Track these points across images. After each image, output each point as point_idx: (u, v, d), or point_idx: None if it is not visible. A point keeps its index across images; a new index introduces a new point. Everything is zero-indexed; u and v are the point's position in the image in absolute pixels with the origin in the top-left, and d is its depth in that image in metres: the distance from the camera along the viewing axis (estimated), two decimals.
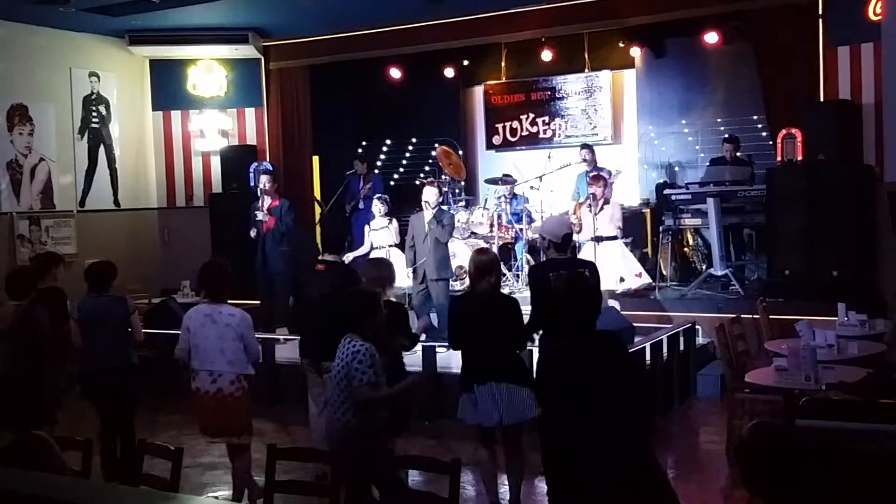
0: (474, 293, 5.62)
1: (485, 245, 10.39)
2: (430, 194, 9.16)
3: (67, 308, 6.99)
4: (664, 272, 10.43)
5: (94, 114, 12.34)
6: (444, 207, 10.52)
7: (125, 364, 6.35)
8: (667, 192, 10.61)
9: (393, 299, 6.19)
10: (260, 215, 10.01)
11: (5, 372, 6.35)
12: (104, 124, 12.46)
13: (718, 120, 11.65)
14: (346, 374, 4.71)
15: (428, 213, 9.11)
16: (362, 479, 4.68)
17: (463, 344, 5.58)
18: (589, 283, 4.63)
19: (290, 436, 7.68)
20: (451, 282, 9.47)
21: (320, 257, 6.71)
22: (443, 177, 11.75)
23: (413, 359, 6.69)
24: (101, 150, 12.42)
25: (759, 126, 11.09)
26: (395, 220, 10.57)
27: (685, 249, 10.99)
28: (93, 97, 12.31)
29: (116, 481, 5.91)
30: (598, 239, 9.61)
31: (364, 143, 13.41)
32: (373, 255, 10.35)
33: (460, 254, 10.26)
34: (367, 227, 10.70)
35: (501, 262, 10.74)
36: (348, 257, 9.52)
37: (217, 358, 5.64)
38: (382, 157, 13.76)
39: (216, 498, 5.96)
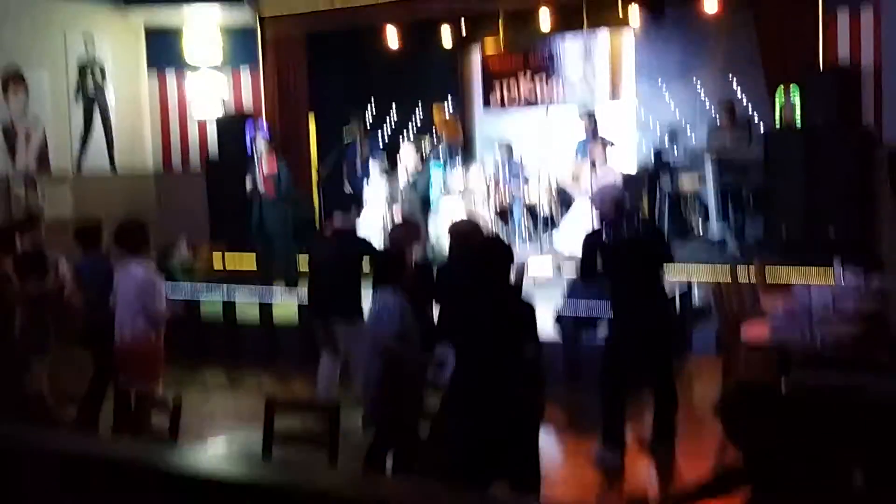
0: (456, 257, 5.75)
1: (482, 207, 10.38)
2: (406, 153, 9.18)
3: (48, 268, 7.08)
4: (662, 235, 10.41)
5: (90, 78, 12.26)
6: (435, 169, 10.52)
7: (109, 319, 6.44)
8: (664, 154, 10.59)
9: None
10: (258, 185, 9.97)
11: None
12: (99, 89, 12.39)
13: (717, 80, 11.59)
14: (377, 328, 4.78)
15: (405, 172, 9.14)
16: (385, 427, 4.74)
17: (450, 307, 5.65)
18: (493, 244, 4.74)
19: (288, 391, 7.76)
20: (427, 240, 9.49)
21: (331, 220, 6.86)
22: (439, 138, 11.73)
23: None
24: (97, 114, 12.35)
25: (758, 87, 11.03)
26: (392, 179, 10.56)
27: (682, 211, 10.99)
28: (88, 62, 12.23)
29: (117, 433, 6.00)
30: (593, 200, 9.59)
31: (360, 105, 13.33)
32: (369, 216, 10.37)
33: (458, 215, 10.26)
34: (364, 188, 10.71)
35: (501, 222, 10.80)
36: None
37: (123, 312, 5.97)
38: (379, 119, 13.68)
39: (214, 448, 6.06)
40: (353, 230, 6.91)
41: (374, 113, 13.56)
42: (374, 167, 10.53)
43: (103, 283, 6.41)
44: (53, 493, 2.23)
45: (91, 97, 12.28)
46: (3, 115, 11.19)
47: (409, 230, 6.29)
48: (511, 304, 4.42)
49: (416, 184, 9.08)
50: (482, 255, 4.51)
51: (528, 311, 4.40)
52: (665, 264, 6.12)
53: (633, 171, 11.32)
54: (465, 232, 5.76)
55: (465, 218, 8.06)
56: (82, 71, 12.18)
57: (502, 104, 13.12)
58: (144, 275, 5.97)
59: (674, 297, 8.27)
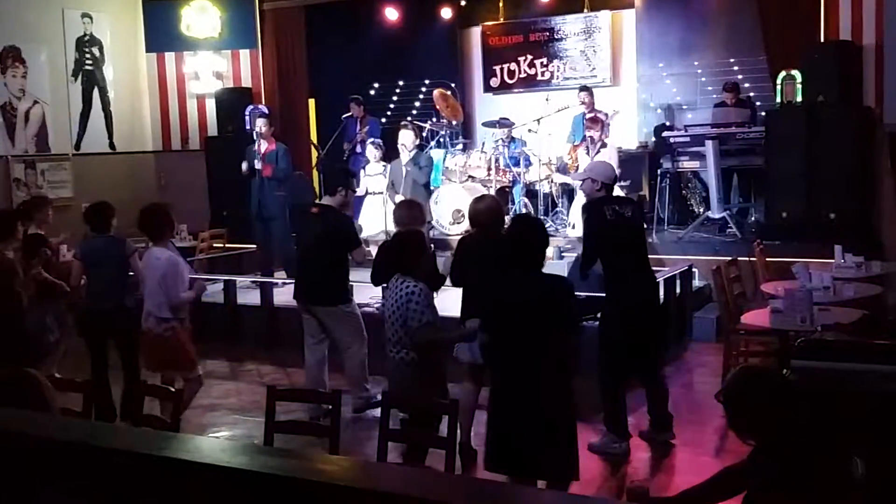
0: (474, 235, 5.68)
1: (483, 190, 10.34)
2: (406, 137, 9.10)
3: (48, 251, 7.07)
4: (661, 215, 10.42)
5: (88, 56, 12.20)
6: (433, 152, 10.46)
7: (121, 305, 6.38)
8: (665, 134, 10.56)
9: None
10: (256, 164, 9.91)
11: None
12: (98, 66, 12.33)
13: (718, 61, 11.53)
14: (402, 315, 4.75)
15: (405, 156, 9.06)
16: (422, 415, 4.73)
17: (463, 282, 5.61)
18: (531, 226, 4.71)
19: (289, 377, 7.75)
20: (430, 225, 9.42)
21: (320, 201, 6.72)
22: (441, 119, 11.67)
23: None
24: (96, 92, 12.30)
25: (760, 67, 10.98)
26: (389, 166, 10.50)
27: (683, 192, 10.97)
28: (86, 39, 12.16)
29: (115, 421, 6.00)
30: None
31: (360, 85, 13.26)
32: (368, 200, 10.33)
33: (459, 198, 10.24)
34: (361, 172, 10.63)
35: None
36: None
37: (147, 299, 5.94)
38: (379, 99, 13.62)
39: (217, 438, 6.03)
40: (337, 209, 6.70)
41: (374, 94, 13.50)
42: (373, 150, 10.47)
43: (114, 266, 6.36)
44: (52, 482, 2.22)
45: (90, 75, 12.22)
46: (2, 95, 11.13)
47: (412, 211, 6.21)
48: (550, 283, 4.40)
49: (417, 166, 9.02)
50: (527, 233, 4.47)
51: (568, 291, 4.39)
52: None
53: (633, 151, 11.29)
54: (489, 208, 5.72)
55: (486, 194, 7.95)
56: (81, 49, 12.11)
57: (503, 85, 13.07)
58: (167, 261, 5.89)
59: (673, 280, 8.26)
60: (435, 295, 5.12)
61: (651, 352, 5.93)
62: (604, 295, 5.91)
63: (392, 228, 9.30)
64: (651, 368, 5.94)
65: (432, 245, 6.84)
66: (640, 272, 5.83)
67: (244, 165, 9.97)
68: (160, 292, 5.83)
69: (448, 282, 5.79)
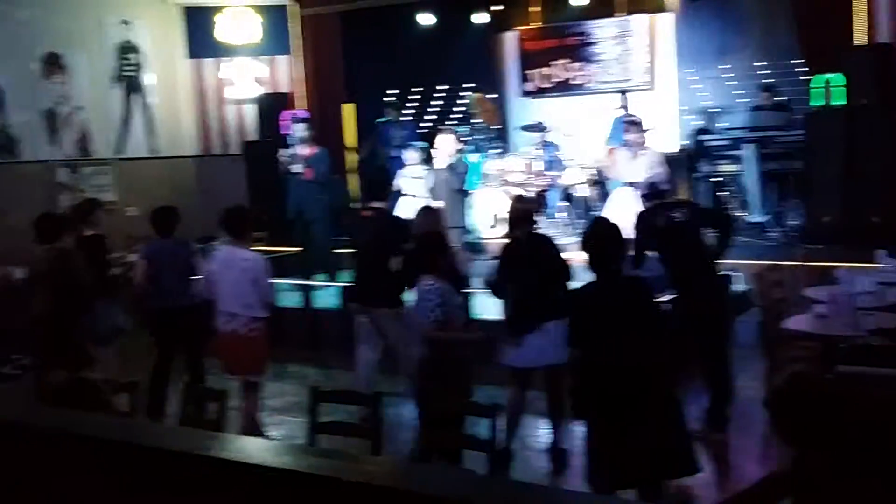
0: (516, 240, 5.68)
1: (522, 193, 10.32)
2: (444, 142, 9.12)
3: (108, 253, 7.20)
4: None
5: (128, 62, 12.37)
6: (469, 156, 10.46)
7: (190, 304, 6.50)
8: (703, 138, 10.50)
9: None
10: (298, 167, 9.98)
11: (42, 314, 6.54)
12: (138, 73, 12.49)
13: (756, 64, 11.43)
14: (419, 313, 4.79)
15: (443, 161, 9.08)
16: (433, 414, 4.74)
17: (510, 290, 5.61)
18: (613, 228, 4.67)
19: (331, 379, 7.79)
20: (465, 230, 9.42)
21: (370, 204, 6.79)
22: (477, 124, 11.69)
23: None
24: (136, 98, 12.47)
25: (798, 70, 10.88)
26: (426, 171, 10.49)
27: (722, 196, 10.87)
28: (126, 45, 12.33)
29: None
30: (633, 185, 9.51)
31: (396, 89, 13.32)
32: (403, 202, 10.35)
33: (496, 202, 10.23)
34: (399, 174, 10.66)
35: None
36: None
37: (232, 300, 5.85)
38: (415, 103, 13.67)
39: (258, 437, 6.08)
40: (392, 211, 6.80)
41: (410, 98, 13.54)
42: (412, 153, 10.48)
43: (180, 267, 6.49)
44: (105, 480, 2.26)
45: (130, 81, 12.39)
46: (45, 101, 11.33)
47: (431, 217, 6.22)
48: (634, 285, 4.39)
49: (456, 172, 9.02)
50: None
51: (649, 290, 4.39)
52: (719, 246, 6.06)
53: (671, 155, 11.20)
54: (531, 208, 5.75)
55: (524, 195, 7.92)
56: (121, 55, 12.28)
57: (538, 90, 13.05)
58: (256, 261, 5.92)
59: (728, 281, 8.18)
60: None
61: (717, 351, 5.90)
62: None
63: None
64: (717, 367, 5.89)
65: (463, 248, 6.84)
66: (702, 274, 5.81)
67: (285, 168, 10.03)
68: (251, 293, 5.81)
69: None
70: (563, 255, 5.61)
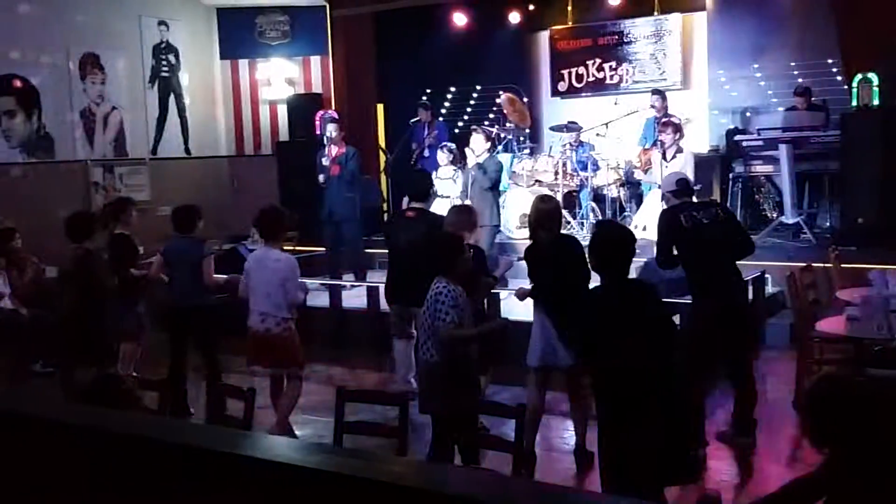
0: (539, 241, 5.66)
1: (548, 193, 10.29)
2: (476, 142, 9.14)
3: (136, 254, 7.30)
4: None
5: (164, 63, 12.51)
6: (500, 156, 10.45)
7: (197, 304, 6.58)
8: (737, 138, 10.41)
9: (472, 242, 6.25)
10: (324, 161, 10.05)
11: (69, 312, 6.66)
12: (174, 73, 12.63)
13: (792, 64, 11.31)
14: (431, 315, 4.79)
15: (472, 160, 9.10)
16: (442, 416, 4.76)
17: (537, 289, 5.61)
18: (620, 231, 4.65)
19: (358, 379, 7.82)
20: (497, 229, 9.41)
21: (412, 205, 6.82)
22: (507, 124, 11.67)
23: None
24: (172, 98, 12.61)
25: (834, 70, 10.75)
26: (459, 170, 10.50)
27: (756, 197, 10.78)
28: (162, 46, 12.47)
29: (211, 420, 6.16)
30: None
31: (428, 90, 13.35)
32: (436, 203, 10.36)
33: (526, 202, 10.21)
34: (433, 175, 10.69)
35: (566, 210, 10.72)
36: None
37: (265, 300, 5.92)
38: (447, 104, 13.69)
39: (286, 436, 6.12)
40: (430, 210, 6.81)
41: (441, 98, 13.56)
42: (443, 154, 10.51)
43: (191, 266, 6.56)
44: (129, 477, 2.29)
45: (166, 82, 12.53)
46: (82, 101, 11.49)
47: (462, 216, 6.21)
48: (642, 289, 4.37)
49: (482, 171, 9.03)
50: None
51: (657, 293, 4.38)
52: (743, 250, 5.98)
53: (705, 155, 11.13)
54: (557, 209, 5.72)
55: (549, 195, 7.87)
56: (157, 56, 12.42)
57: (570, 90, 13.01)
58: (287, 262, 5.99)
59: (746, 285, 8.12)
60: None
61: (740, 354, 5.85)
62: (674, 301, 5.85)
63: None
64: (740, 371, 5.85)
65: (498, 251, 6.85)
66: (723, 276, 5.74)
67: (321, 178, 10.11)
68: (281, 292, 5.88)
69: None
70: (585, 258, 5.58)
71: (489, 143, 9.46)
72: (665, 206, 6.16)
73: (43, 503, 2.47)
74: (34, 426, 2.49)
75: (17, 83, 10.75)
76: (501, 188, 10.66)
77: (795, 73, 11.17)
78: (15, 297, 8.34)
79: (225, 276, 6.86)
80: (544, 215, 5.58)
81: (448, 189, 10.38)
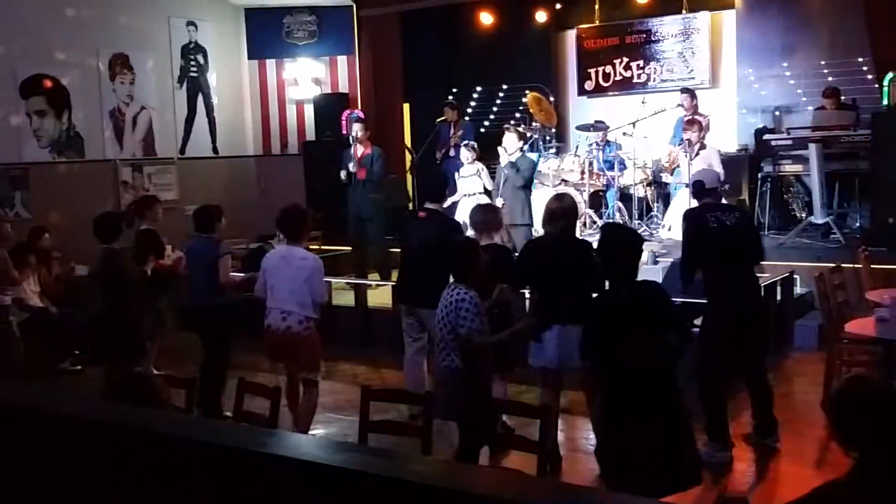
0: (545, 238, 5.65)
1: (568, 192, 10.25)
2: (507, 140, 9.12)
3: (162, 249, 7.39)
4: (762, 220, 10.17)
5: (193, 63, 12.60)
6: (530, 154, 10.44)
7: (211, 303, 6.61)
8: (766, 137, 10.32)
9: (499, 242, 6.22)
10: (351, 167, 10.08)
11: (97, 312, 6.75)
12: (202, 73, 12.72)
13: (822, 62, 11.18)
14: (451, 322, 4.77)
15: (504, 159, 9.08)
16: (467, 421, 4.75)
17: (536, 287, 5.59)
18: (626, 234, 4.63)
19: (382, 378, 7.84)
20: (531, 227, 9.38)
21: (425, 205, 6.79)
22: (533, 123, 11.64)
23: None
24: (200, 98, 12.70)
25: (865, 69, 10.63)
26: (484, 167, 10.49)
27: (785, 197, 10.68)
28: (191, 46, 12.57)
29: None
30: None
31: (454, 90, 13.34)
32: (462, 202, 10.36)
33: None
34: (456, 175, 10.68)
35: (592, 210, 10.69)
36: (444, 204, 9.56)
37: (287, 298, 5.87)
38: (473, 104, 13.67)
39: (311, 435, 6.14)
40: (444, 212, 6.77)
41: (467, 98, 13.54)
42: (467, 152, 10.50)
43: (207, 266, 6.60)
44: (155, 475, 2.31)
45: (194, 82, 12.62)
46: (112, 101, 11.60)
47: (487, 215, 6.17)
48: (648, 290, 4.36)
49: (515, 169, 9.01)
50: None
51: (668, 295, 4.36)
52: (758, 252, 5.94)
53: (733, 154, 11.04)
54: (571, 207, 5.68)
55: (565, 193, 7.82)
56: (186, 56, 12.52)
57: (597, 88, 12.96)
58: (313, 261, 5.97)
59: (774, 286, 8.06)
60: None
61: (755, 355, 5.80)
62: (701, 301, 5.81)
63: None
64: (756, 372, 5.80)
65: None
66: (742, 279, 5.70)
67: (342, 174, 10.15)
68: (306, 291, 5.89)
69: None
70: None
71: (522, 142, 9.45)
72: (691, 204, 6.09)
73: (72, 500, 2.49)
74: (63, 424, 2.52)
75: (48, 83, 10.88)
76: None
77: (825, 71, 11.05)
78: (44, 296, 8.45)
79: (242, 275, 6.89)
80: (551, 212, 5.57)
81: (472, 186, 10.36)
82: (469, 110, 13.38)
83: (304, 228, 6.14)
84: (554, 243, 5.54)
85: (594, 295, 4.68)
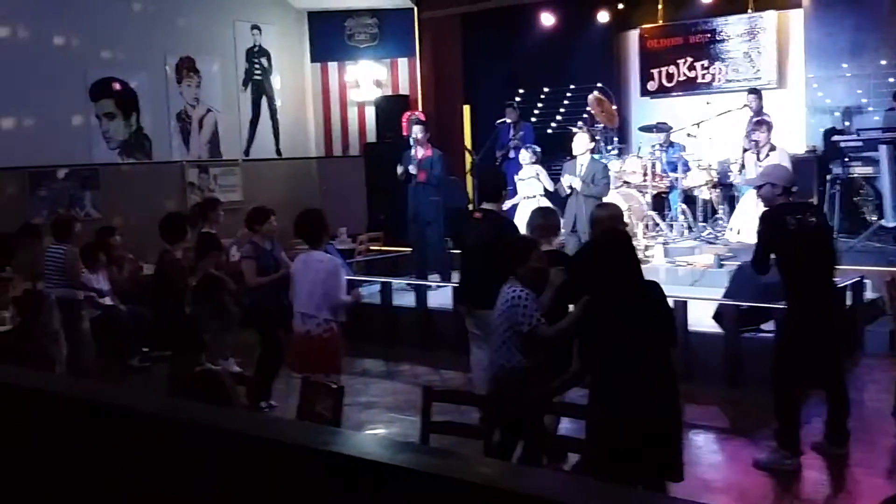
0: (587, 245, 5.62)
1: (638, 196, 10.13)
2: (577, 142, 9.02)
3: (221, 249, 7.54)
4: (831, 223, 9.93)
5: (257, 66, 12.78)
6: (596, 157, 10.35)
7: (264, 305, 6.84)
8: (835, 138, 10.09)
9: (555, 248, 6.17)
10: (411, 168, 10.11)
11: (161, 310, 6.90)
12: (266, 76, 12.90)
13: (892, 63, 10.89)
14: (508, 320, 4.75)
15: (577, 164, 8.96)
16: (520, 420, 4.72)
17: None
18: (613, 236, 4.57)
19: (443, 379, 7.84)
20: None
21: (482, 206, 6.76)
22: (595, 125, 11.55)
23: None
24: (264, 101, 12.88)
25: None
26: (542, 170, 10.42)
27: (855, 199, 10.42)
28: (255, 50, 12.75)
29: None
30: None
31: (515, 91, 13.30)
32: (522, 205, 10.31)
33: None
34: (515, 177, 10.64)
35: (655, 212, 10.55)
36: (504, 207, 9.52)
37: (307, 301, 5.89)
38: (534, 105, 13.60)
39: (374, 434, 6.17)
40: (501, 212, 6.74)
41: (529, 99, 13.48)
42: (526, 154, 10.46)
43: (266, 267, 6.74)
44: (222, 471, 2.33)
45: (258, 85, 12.80)
46: (178, 103, 11.82)
47: (546, 219, 6.11)
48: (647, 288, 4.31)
49: (594, 179, 8.87)
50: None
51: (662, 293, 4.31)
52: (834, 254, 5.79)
53: (802, 156, 10.80)
54: (611, 216, 5.64)
55: (609, 202, 7.74)
56: (250, 59, 12.70)
57: (660, 89, 12.80)
58: (329, 263, 5.98)
59: (843, 291, 7.86)
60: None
61: (833, 361, 5.66)
62: (768, 305, 5.69)
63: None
64: (834, 379, 5.66)
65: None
66: (821, 281, 5.56)
67: (399, 169, 10.18)
68: (323, 294, 5.88)
69: None
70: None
71: (592, 143, 9.32)
72: (766, 204, 5.89)
73: (141, 497, 2.53)
74: (133, 420, 2.56)
75: (116, 86, 11.13)
76: None
77: (895, 72, 10.75)
78: (114, 294, 8.63)
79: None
80: (592, 220, 5.57)
81: (531, 189, 10.32)
82: (531, 112, 13.31)
83: (323, 232, 6.14)
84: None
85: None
